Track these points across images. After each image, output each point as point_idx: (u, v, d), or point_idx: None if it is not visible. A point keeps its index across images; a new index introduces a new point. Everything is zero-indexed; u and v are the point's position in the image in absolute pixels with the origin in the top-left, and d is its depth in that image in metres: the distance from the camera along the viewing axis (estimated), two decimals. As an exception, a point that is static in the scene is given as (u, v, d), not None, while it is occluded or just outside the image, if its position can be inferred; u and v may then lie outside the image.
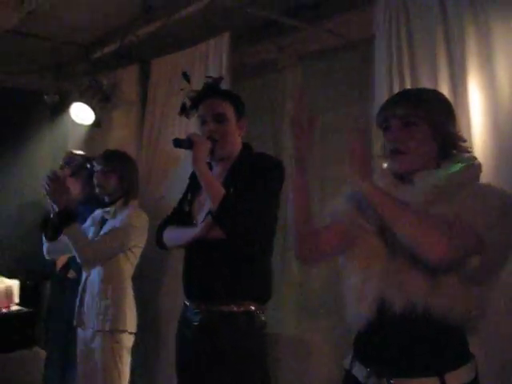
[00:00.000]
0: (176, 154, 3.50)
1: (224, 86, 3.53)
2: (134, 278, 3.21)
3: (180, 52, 3.92)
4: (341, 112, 3.58)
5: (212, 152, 2.21)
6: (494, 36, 2.53)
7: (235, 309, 2.16)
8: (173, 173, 3.69)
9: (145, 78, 4.22)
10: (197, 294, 2.25)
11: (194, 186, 2.36)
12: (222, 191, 2.10)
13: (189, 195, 2.38)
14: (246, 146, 2.36)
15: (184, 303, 2.33)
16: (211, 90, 2.33)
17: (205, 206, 2.22)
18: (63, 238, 2.96)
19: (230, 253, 2.15)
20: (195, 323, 2.23)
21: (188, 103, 2.36)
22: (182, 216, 2.35)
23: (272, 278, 2.29)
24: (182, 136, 2.32)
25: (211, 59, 3.72)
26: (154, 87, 4.06)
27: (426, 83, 2.71)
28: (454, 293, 1.49)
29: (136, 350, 3.19)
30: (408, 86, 2.79)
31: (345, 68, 3.62)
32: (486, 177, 2.42)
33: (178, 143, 2.17)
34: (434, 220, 1.46)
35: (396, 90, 2.81)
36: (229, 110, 2.28)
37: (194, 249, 2.26)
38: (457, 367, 1.54)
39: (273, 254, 2.30)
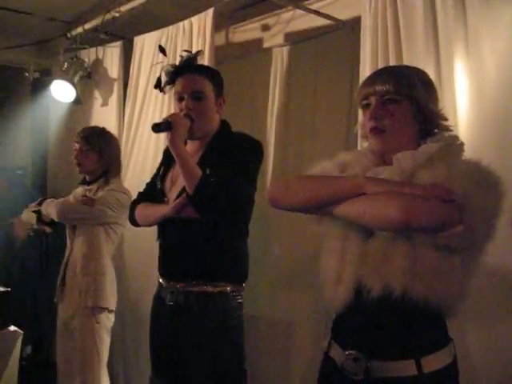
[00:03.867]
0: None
1: (207, 65, 3.51)
2: (115, 257, 3.19)
3: (163, 29, 3.84)
4: (328, 93, 3.54)
5: (189, 131, 2.15)
6: (480, 20, 2.49)
7: (210, 289, 2.12)
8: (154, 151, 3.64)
9: (127, 55, 4.14)
10: (171, 273, 2.21)
11: (167, 161, 2.30)
12: (199, 173, 2.04)
13: (161, 171, 2.32)
14: (224, 124, 2.29)
15: (159, 282, 2.28)
16: (189, 65, 2.25)
17: (177, 182, 2.17)
18: None
19: (205, 233, 2.11)
20: (170, 303, 2.19)
21: (164, 78, 2.28)
22: (154, 193, 2.29)
23: (248, 259, 2.25)
24: (163, 115, 2.23)
25: (195, 37, 3.64)
26: (137, 65, 3.97)
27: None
28: (433, 275, 1.45)
29: (115, 331, 3.16)
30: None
31: (332, 49, 3.57)
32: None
33: (157, 128, 2.09)
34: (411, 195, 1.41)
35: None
36: (207, 87, 2.20)
37: (168, 227, 2.21)
38: (434, 351, 1.51)
39: (249, 234, 2.26)
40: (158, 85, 2.33)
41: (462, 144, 1.59)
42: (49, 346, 4.00)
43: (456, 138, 1.59)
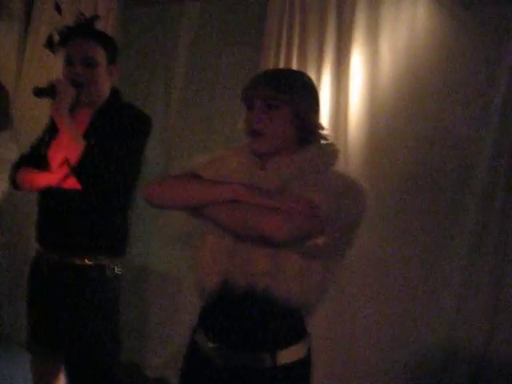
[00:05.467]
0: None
1: (114, 12, 3.39)
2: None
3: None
4: (233, 55, 3.51)
5: (76, 97, 2.09)
6: (382, 13, 2.57)
7: (86, 261, 2.12)
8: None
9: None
10: (48, 243, 2.19)
11: (52, 126, 2.21)
12: (82, 144, 2.01)
13: (47, 137, 2.24)
14: (114, 93, 2.24)
15: (36, 249, 2.25)
16: (83, 29, 2.17)
17: (62, 151, 2.10)
18: None
19: (86, 205, 2.10)
20: (46, 273, 2.17)
21: (56, 38, 2.19)
22: (38, 157, 2.21)
23: (127, 233, 2.26)
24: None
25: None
26: (40, 4, 3.77)
27: (312, 45, 2.71)
28: (294, 276, 1.52)
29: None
30: (295, 45, 2.77)
31: (244, 10, 3.52)
32: (358, 153, 2.55)
33: (38, 92, 2.04)
34: (275, 208, 1.47)
35: (283, 45, 2.80)
36: (99, 54, 2.14)
37: (48, 195, 2.17)
38: (289, 345, 1.60)
39: (131, 207, 2.26)
40: (48, 44, 2.23)
41: (337, 151, 1.64)
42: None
43: (331, 146, 1.65)
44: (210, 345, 1.64)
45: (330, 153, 1.63)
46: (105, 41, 2.18)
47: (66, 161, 2.04)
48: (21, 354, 2.55)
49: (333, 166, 1.63)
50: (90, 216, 2.11)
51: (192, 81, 3.67)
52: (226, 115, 3.36)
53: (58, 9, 2.33)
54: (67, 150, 2.03)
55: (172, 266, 3.53)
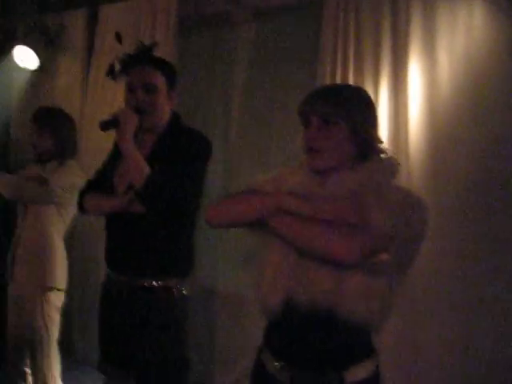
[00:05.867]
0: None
1: (171, 39, 3.49)
2: (70, 238, 3.19)
3: (129, 1, 3.78)
4: (291, 72, 3.53)
5: (139, 123, 2.15)
6: (438, 23, 2.54)
7: (154, 283, 2.16)
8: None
9: (93, 24, 4.06)
10: (116, 266, 2.24)
11: (117, 153, 2.28)
12: (147, 170, 2.06)
13: (112, 162, 2.31)
14: (174, 118, 2.29)
15: (106, 272, 2.32)
16: (143, 56, 2.24)
17: (126, 176, 2.17)
18: None
19: (151, 228, 2.15)
20: (115, 295, 2.23)
21: (117, 66, 2.27)
22: (104, 182, 2.28)
23: (193, 253, 2.30)
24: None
25: (160, 11, 3.62)
26: (102, 36, 3.92)
27: (368, 58, 2.70)
28: (358, 294, 1.50)
29: (69, 310, 3.20)
30: (351, 59, 2.77)
31: (298, 27, 3.55)
32: (420, 164, 2.52)
33: (105, 126, 2.12)
34: (341, 226, 1.46)
35: (339, 60, 2.80)
36: (159, 80, 2.19)
37: (115, 219, 2.23)
38: (356, 363, 1.58)
39: (196, 229, 2.30)
40: (110, 72, 2.32)
41: (397, 165, 1.61)
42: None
43: (390, 160, 1.61)
44: (276, 364, 1.64)
45: (390, 167, 1.60)
46: (164, 67, 2.24)
47: (131, 186, 2.10)
48: (94, 374, 2.61)
49: (393, 179, 1.60)
50: (156, 239, 2.15)
51: (250, 100, 3.72)
52: (286, 133, 3.38)
53: (118, 38, 2.41)
54: (132, 175, 2.09)
55: (238, 286, 3.55)
